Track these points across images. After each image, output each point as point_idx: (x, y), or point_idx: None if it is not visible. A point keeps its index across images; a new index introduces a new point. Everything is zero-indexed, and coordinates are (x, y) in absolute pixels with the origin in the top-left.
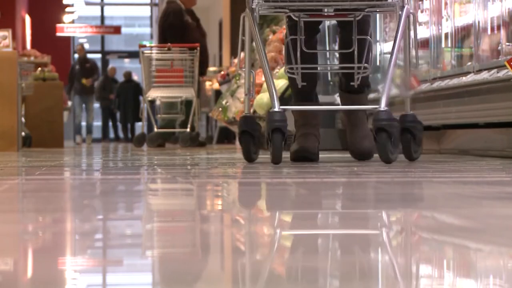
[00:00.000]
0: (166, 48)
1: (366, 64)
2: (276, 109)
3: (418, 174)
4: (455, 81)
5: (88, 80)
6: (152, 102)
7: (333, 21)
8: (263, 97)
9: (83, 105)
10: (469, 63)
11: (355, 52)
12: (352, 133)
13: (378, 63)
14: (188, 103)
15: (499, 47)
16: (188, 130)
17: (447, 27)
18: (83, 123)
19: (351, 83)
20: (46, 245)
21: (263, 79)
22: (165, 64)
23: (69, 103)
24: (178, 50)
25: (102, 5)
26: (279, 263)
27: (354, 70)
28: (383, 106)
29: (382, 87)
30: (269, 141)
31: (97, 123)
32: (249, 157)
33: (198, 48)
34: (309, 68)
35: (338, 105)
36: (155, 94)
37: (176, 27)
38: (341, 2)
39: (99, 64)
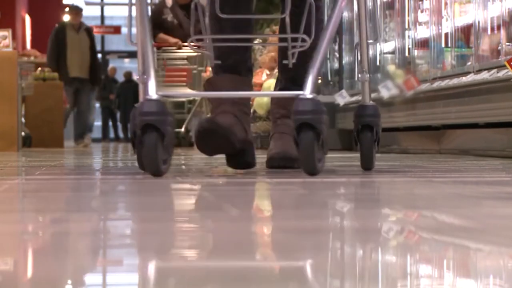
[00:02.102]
0: (176, 47)
1: (304, 35)
2: (151, 96)
3: (418, 174)
4: (455, 81)
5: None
6: None
7: None
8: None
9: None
10: (469, 63)
11: (287, 19)
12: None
13: (378, 63)
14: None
15: (499, 47)
16: (182, 130)
17: (447, 27)
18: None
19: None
20: (46, 245)
21: (264, 78)
22: (174, 64)
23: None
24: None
25: (102, 5)
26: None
27: (288, 43)
28: (308, 92)
29: (382, 82)
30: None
31: (97, 123)
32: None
33: None
34: (227, 40)
35: (338, 105)
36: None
37: (156, 26)
38: None
39: None
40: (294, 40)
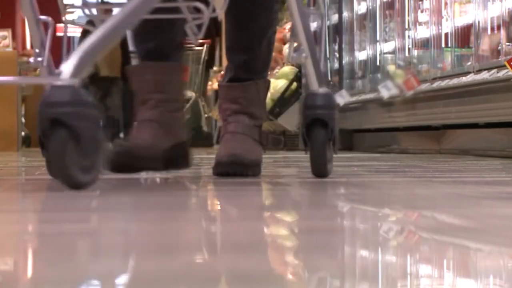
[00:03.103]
0: None
1: (197, 3)
2: None
3: (418, 174)
4: (455, 81)
5: None
6: None
7: (333, 21)
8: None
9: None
10: (469, 63)
11: None
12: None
13: (378, 63)
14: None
15: (499, 47)
16: None
17: (447, 27)
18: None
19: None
20: (46, 245)
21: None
22: None
23: None
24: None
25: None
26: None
27: (185, 14)
28: (66, 76)
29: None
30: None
31: None
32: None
33: (206, 45)
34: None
35: (338, 105)
36: None
37: None
38: None
39: None
40: (197, 10)
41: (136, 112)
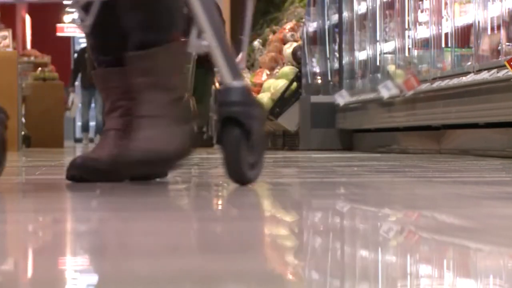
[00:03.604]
0: None
1: None
2: None
3: (418, 174)
4: (455, 81)
5: None
6: None
7: (333, 21)
8: (263, 96)
9: (92, 100)
10: (469, 63)
11: None
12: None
13: (378, 63)
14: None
15: (499, 47)
16: None
17: (447, 27)
18: (92, 123)
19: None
20: (46, 245)
21: (263, 78)
22: None
23: (70, 99)
24: None
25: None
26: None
27: None
28: None
29: (381, 86)
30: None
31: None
32: None
33: None
34: None
35: (338, 105)
36: None
37: None
38: None
39: None
40: None
41: (105, 121)
